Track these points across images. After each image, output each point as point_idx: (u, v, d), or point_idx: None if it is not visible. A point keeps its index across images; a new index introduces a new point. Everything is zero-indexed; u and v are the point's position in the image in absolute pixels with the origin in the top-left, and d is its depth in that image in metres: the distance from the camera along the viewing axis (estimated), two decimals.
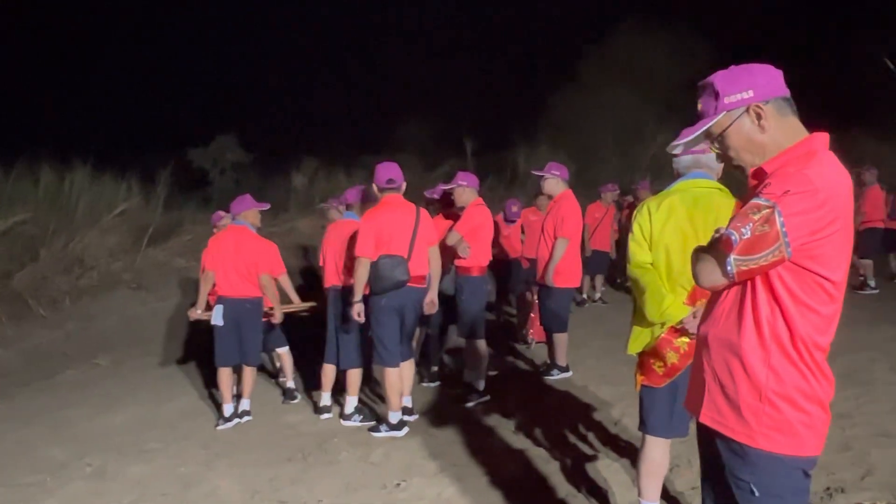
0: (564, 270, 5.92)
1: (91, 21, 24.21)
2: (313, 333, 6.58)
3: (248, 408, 5.68)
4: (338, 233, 5.60)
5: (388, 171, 4.96)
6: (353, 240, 5.10)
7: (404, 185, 5.04)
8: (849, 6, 17.60)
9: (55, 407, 6.52)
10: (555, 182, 6.09)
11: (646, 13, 17.29)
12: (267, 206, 6.06)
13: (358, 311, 4.84)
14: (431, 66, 22.70)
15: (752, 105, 1.80)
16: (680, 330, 2.98)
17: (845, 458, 3.97)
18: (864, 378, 5.36)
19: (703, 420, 1.95)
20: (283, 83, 24.70)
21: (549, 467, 4.17)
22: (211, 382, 6.90)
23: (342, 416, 5.44)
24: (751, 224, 1.67)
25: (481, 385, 5.63)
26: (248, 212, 5.72)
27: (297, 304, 6.30)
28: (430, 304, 5.07)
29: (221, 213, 6.72)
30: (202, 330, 8.33)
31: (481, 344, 5.62)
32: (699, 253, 1.85)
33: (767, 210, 1.66)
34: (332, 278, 5.57)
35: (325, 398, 5.63)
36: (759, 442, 1.78)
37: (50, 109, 21.98)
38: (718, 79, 1.86)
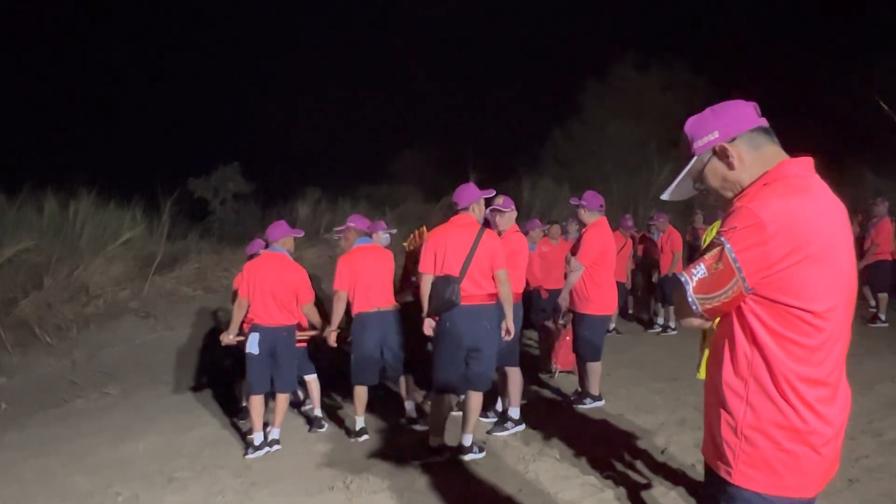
0: (598, 298, 5.88)
1: (96, 50, 24.30)
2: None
3: (277, 436, 5.55)
4: (373, 256, 5.68)
5: (458, 192, 4.96)
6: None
7: (473, 204, 4.93)
8: (846, 40, 18.04)
9: (70, 436, 6.35)
10: (585, 211, 6.07)
11: (647, 48, 17.67)
12: (301, 233, 6.06)
13: (430, 326, 4.83)
14: (435, 97, 22.97)
15: (716, 146, 1.83)
16: None
17: None
18: None
19: (702, 453, 1.95)
20: (285, 113, 24.85)
21: (605, 495, 4.08)
22: (229, 411, 6.77)
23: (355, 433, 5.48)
24: (703, 264, 1.72)
25: (516, 413, 5.54)
26: (285, 238, 5.67)
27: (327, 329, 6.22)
28: (506, 331, 4.89)
29: (261, 240, 6.65)
30: (213, 359, 8.24)
31: (516, 372, 5.55)
32: (674, 293, 1.88)
33: (718, 248, 1.70)
34: (376, 301, 5.61)
35: (360, 422, 5.59)
36: (735, 478, 1.75)
37: (54, 137, 21.93)
38: (689, 125, 1.90)
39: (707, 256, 1.72)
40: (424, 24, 26.81)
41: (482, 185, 5.19)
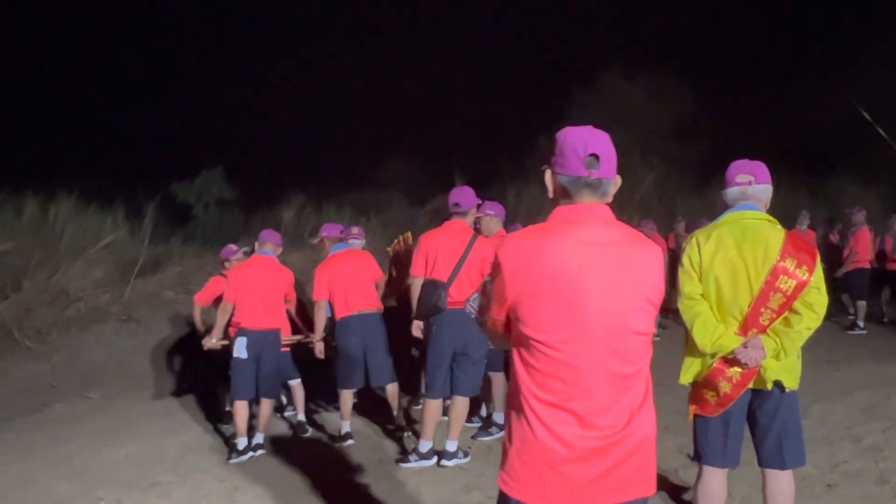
0: None
1: (77, 50, 24.08)
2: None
3: (261, 441, 5.53)
4: (352, 260, 5.69)
5: (455, 194, 4.95)
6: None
7: (472, 209, 4.98)
8: (827, 51, 18.35)
9: (50, 441, 6.28)
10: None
11: (633, 57, 17.84)
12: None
13: (418, 328, 4.87)
14: (420, 102, 23.00)
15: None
16: (732, 360, 2.97)
17: (884, 490, 3.99)
18: (885, 412, 5.44)
19: None
20: (270, 118, 24.74)
21: None
22: (212, 416, 6.74)
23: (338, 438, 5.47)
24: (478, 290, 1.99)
25: (501, 418, 5.56)
26: (273, 242, 5.70)
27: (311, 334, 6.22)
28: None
29: (234, 246, 6.66)
30: (196, 363, 8.18)
31: (500, 377, 5.56)
32: None
33: (488, 277, 1.94)
34: (356, 304, 5.55)
35: (346, 426, 5.57)
36: (499, 481, 1.88)
37: (34, 139, 21.69)
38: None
39: (486, 280, 1.97)
40: (410, 30, 26.92)
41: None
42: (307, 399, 6.29)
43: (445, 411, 5.13)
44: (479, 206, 5.06)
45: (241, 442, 5.39)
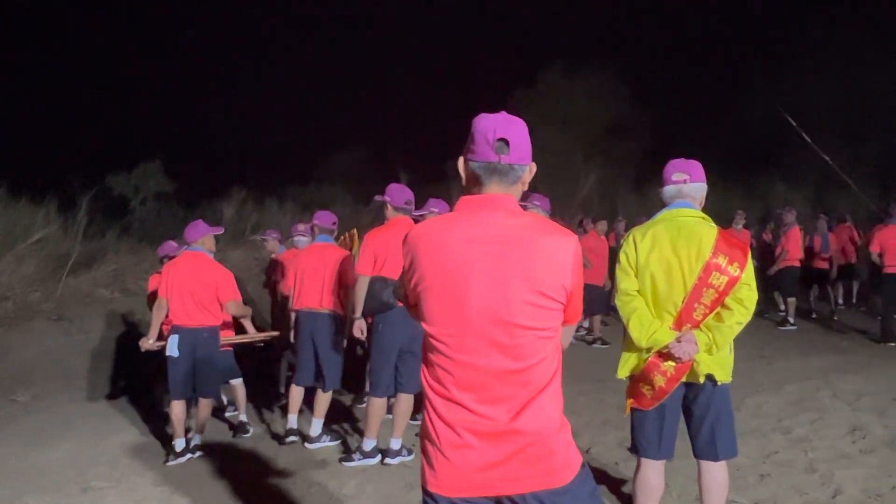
0: None
1: (5, 37, 23.04)
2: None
3: (199, 442, 5.40)
4: (321, 256, 5.50)
5: (406, 191, 4.91)
6: (342, 262, 5.25)
7: (408, 206, 4.94)
8: (759, 54, 18.96)
9: None
10: (538, 213, 6.14)
11: (575, 56, 18.06)
12: (221, 230, 5.90)
13: (359, 328, 4.81)
14: (365, 98, 22.84)
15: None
16: (666, 354, 3.04)
17: (813, 479, 4.16)
18: (814, 405, 5.68)
19: None
20: (210, 110, 24.17)
21: None
22: (149, 418, 6.55)
23: (309, 438, 5.30)
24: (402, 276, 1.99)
25: None
26: (204, 238, 5.51)
27: (258, 334, 6.11)
28: None
29: (173, 243, 6.47)
30: (131, 363, 7.94)
31: None
32: None
33: None
34: (308, 301, 5.45)
35: (292, 420, 5.48)
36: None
37: None
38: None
39: None
40: (354, 25, 26.70)
41: (412, 187, 5.18)
42: (249, 398, 6.17)
43: (390, 409, 5.11)
44: (407, 202, 4.96)
45: (179, 444, 5.25)
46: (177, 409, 5.26)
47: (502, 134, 1.80)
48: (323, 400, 5.39)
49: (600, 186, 15.96)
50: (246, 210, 14.67)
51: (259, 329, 6.40)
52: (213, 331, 5.38)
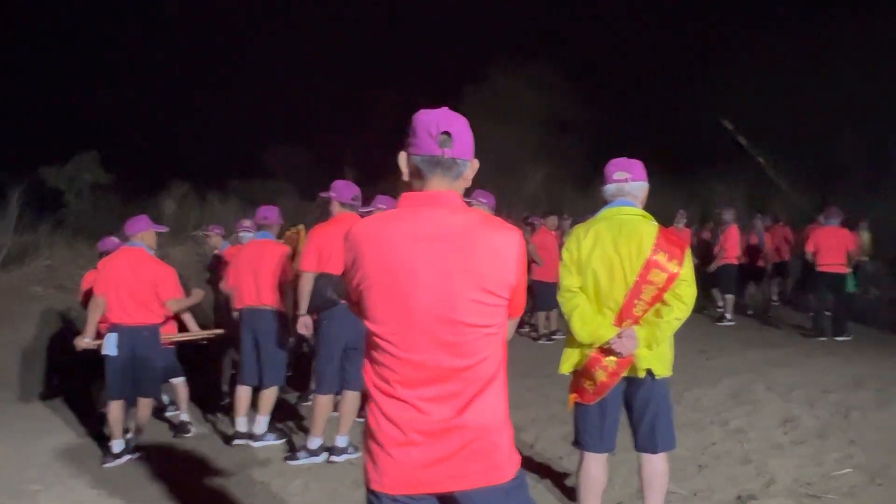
0: None
1: None
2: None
3: (138, 443, 5.25)
4: (258, 253, 5.40)
5: (352, 187, 4.86)
6: (283, 258, 5.17)
7: (354, 202, 4.91)
8: (697, 57, 19.44)
9: None
10: (483, 210, 6.16)
11: (522, 52, 18.22)
12: (165, 229, 5.75)
13: (304, 324, 4.74)
14: (311, 90, 22.49)
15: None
16: (607, 350, 3.11)
17: (748, 469, 4.32)
18: (749, 398, 5.88)
19: None
20: (150, 99, 23.43)
21: None
22: (85, 419, 6.35)
23: (254, 437, 5.22)
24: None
25: None
26: (144, 233, 5.36)
27: (201, 332, 5.98)
28: None
29: (114, 238, 6.27)
30: (65, 362, 7.67)
31: None
32: None
33: None
34: (248, 299, 5.35)
35: (241, 423, 5.36)
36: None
37: None
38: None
39: None
40: (302, 20, 26.31)
41: (359, 184, 5.15)
42: (192, 397, 6.03)
43: (336, 407, 5.07)
44: (353, 198, 4.90)
45: (117, 445, 5.10)
46: (115, 409, 5.11)
47: (445, 127, 1.79)
48: (266, 397, 5.31)
49: (547, 184, 16.14)
50: (188, 204, 14.33)
51: (203, 327, 6.26)
52: (153, 329, 5.24)
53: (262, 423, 5.28)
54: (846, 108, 15.72)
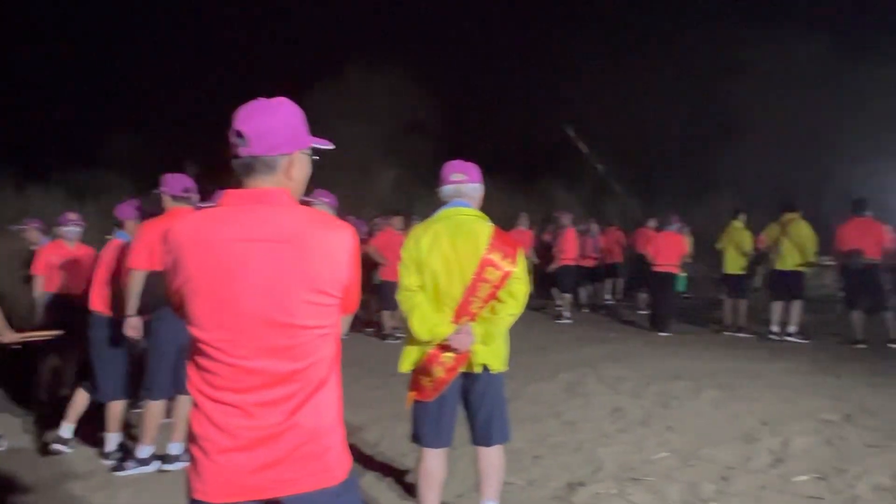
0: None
1: None
2: None
3: None
4: (113, 255, 4.97)
5: (184, 180, 4.57)
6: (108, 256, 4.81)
7: (197, 197, 4.64)
8: (542, 65, 20.36)
9: None
10: (324, 210, 6.06)
11: (375, 53, 18.22)
12: None
13: (133, 325, 4.43)
14: (152, 76, 21.14)
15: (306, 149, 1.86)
16: (445, 346, 3.19)
17: (578, 457, 4.59)
18: (583, 390, 6.25)
19: None
20: None
21: None
22: None
23: (104, 456, 4.79)
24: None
25: None
26: None
27: (38, 332, 5.45)
28: None
29: None
30: None
31: None
32: None
33: None
34: (97, 303, 4.91)
35: (66, 430, 4.93)
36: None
37: None
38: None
39: None
40: (145, 5, 24.73)
41: (199, 179, 4.91)
42: (4, 407, 5.48)
43: (168, 413, 4.78)
44: (185, 190, 4.64)
45: None
46: None
47: (238, 126, 1.73)
48: (111, 412, 4.82)
49: (399, 184, 16.26)
50: (4, 195, 13.04)
51: (18, 330, 5.68)
52: None
53: (111, 440, 4.79)
54: (673, 121, 17.17)
